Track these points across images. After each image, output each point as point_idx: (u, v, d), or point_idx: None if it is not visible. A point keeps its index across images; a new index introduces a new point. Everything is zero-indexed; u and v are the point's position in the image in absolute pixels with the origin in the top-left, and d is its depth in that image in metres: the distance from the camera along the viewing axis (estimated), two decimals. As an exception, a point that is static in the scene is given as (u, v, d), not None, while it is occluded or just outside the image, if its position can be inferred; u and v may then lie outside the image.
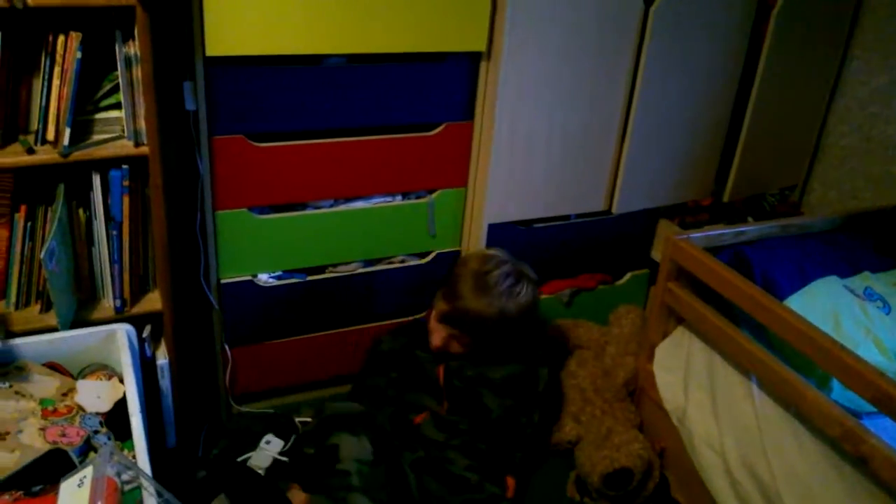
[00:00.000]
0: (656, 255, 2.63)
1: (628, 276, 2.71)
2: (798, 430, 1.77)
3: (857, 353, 1.67)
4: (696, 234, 2.08)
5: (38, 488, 1.50)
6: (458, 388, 2.11)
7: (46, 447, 1.55)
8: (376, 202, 2.24)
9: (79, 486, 1.36)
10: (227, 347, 2.21)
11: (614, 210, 2.49)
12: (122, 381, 1.77)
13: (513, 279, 2.10)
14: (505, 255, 2.17)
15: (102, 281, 1.96)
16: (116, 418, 1.70)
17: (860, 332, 1.87)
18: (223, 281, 2.13)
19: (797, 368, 1.79)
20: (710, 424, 1.99)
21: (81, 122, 1.78)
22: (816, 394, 1.71)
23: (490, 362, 2.12)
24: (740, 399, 1.92)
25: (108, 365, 1.86)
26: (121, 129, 1.82)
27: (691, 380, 2.07)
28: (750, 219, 2.73)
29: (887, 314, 1.96)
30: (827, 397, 1.71)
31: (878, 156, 2.60)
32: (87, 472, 1.37)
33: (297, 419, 2.31)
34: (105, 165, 1.82)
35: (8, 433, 1.59)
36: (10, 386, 1.71)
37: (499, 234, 2.37)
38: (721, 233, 2.11)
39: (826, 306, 1.91)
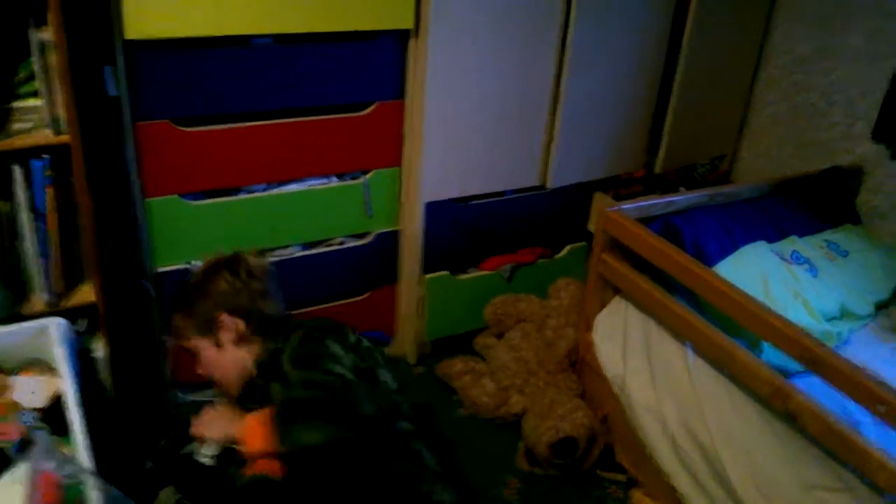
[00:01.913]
0: (592, 227, 2.67)
1: (567, 249, 2.75)
2: (732, 392, 1.83)
3: (787, 316, 1.72)
4: (628, 206, 2.11)
5: (-27, 488, 1.47)
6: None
7: (-19, 446, 1.51)
8: (311, 184, 2.23)
9: (16, 482, 1.33)
10: (168, 337, 2.18)
11: (549, 185, 2.52)
12: (58, 375, 1.74)
13: (191, 284, 1.84)
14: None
15: (32, 275, 1.90)
16: (54, 414, 1.66)
17: (789, 294, 1.93)
18: (159, 269, 2.09)
19: (729, 332, 1.84)
20: (648, 391, 2.04)
21: (-2, 112, 1.73)
22: (747, 355, 1.76)
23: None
24: (676, 364, 1.97)
25: (43, 360, 1.81)
26: (40, 117, 1.76)
27: (629, 348, 2.11)
28: (682, 189, 2.79)
29: (814, 277, 2.03)
30: (757, 358, 1.77)
31: (803, 122, 2.67)
32: (25, 467, 1.34)
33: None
34: (25, 155, 1.76)
35: (-60, 434, 1.55)
36: (-59, 386, 1.66)
37: (436, 211, 2.38)
38: (652, 203, 2.15)
39: (755, 271, 1.96)
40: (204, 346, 1.80)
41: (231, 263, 1.82)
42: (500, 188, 2.49)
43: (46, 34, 1.66)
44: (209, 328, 1.78)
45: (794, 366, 1.74)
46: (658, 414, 2.00)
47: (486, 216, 2.52)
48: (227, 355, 1.79)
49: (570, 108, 2.40)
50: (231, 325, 1.77)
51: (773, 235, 2.13)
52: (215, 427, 1.67)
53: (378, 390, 1.70)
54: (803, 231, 2.19)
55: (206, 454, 2.05)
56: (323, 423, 1.51)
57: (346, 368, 1.63)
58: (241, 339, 1.78)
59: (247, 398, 1.77)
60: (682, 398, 1.94)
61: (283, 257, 2.27)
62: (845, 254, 2.14)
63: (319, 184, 2.24)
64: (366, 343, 1.81)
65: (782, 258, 2.05)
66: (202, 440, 1.72)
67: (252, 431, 1.55)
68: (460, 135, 2.29)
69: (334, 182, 2.26)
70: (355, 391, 1.57)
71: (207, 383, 2.33)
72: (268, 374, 1.72)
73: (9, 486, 1.35)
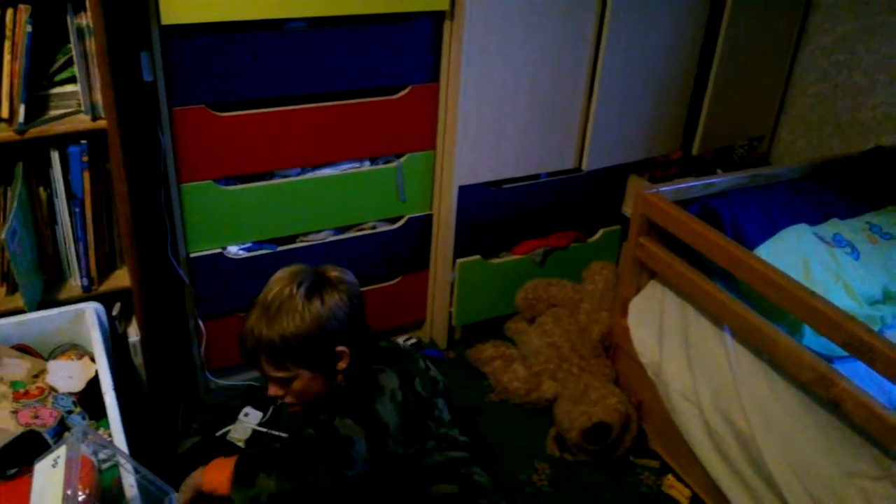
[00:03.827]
0: (627, 210, 2.64)
1: (600, 232, 2.72)
2: (771, 377, 1.79)
3: (828, 299, 1.68)
4: (665, 188, 2.08)
5: (12, 471, 1.48)
6: None
7: (20, 430, 1.53)
8: (344, 168, 2.22)
9: (53, 466, 1.34)
10: (200, 322, 2.19)
11: (584, 167, 2.49)
12: (93, 360, 1.75)
13: (281, 299, 1.60)
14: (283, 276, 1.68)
15: (68, 260, 1.92)
16: (90, 397, 1.68)
17: (830, 278, 1.88)
18: (192, 255, 2.10)
19: (769, 316, 1.81)
20: (685, 376, 2.01)
21: (37, 98, 1.74)
22: (788, 340, 1.73)
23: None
24: (714, 349, 1.93)
25: (78, 345, 1.83)
26: (77, 103, 1.77)
27: (665, 333, 2.08)
28: (719, 171, 2.74)
29: (856, 260, 1.98)
30: (799, 343, 1.73)
31: (844, 103, 2.61)
32: (61, 452, 1.35)
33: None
34: (63, 141, 1.78)
35: (-21, 418, 1.57)
36: (-20, 370, 1.68)
37: (469, 195, 2.36)
38: (690, 185, 2.11)
39: (796, 254, 1.92)
40: (305, 378, 1.63)
41: (334, 285, 1.63)
42: (534, 171, 2.46)
43: (84, 20, 1.66)
44: (320, 360, 1.62)
45: (836, 350, 1.70)
46: (694, 400, 1.97)
47: (519, 200, 2.49)
48: (328, 382, 1.66)
49: (605, 90, 2.36)
50: (346, 355, 1.64)
51: (814, 218, 2.09)
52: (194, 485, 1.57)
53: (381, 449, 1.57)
54: (845, 213, 2.14)
55: (238, 438, 2.07)
56: (280, 479, 1.47)
57: (393, 404, 1.57)
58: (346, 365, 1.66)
59: (314, 408, 1.68)
60: (720, 384, 1.91)
61: (316, 242, 2.26)
62: (888, 236, 2.09)
63: (352, 168, 2.22)
64: (432, 372, 1.75)
65: (824, 241, 2.00)
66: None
67: (213, 476, 1.52)
68: (495, 118, 2.26)
69: (367, 166, 2.25)
70: (344, 451, 1.50)
71: (239, 368, 2.35)
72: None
73: (46, 469, 1.35)
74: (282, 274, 1.64)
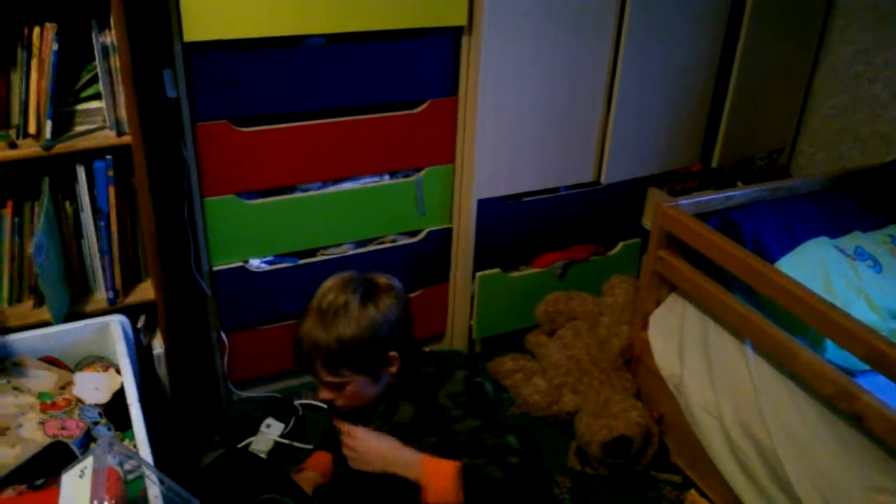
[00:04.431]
0: (647, 223, 2.64)
1: (620, 245, 2.72)
2: (793, 391, 1.78)
3: (849, 313, 1.68)
4: (685, 201, 2.08)
5: (40, 482, 1.50)
6: None
7: (47, 441, 1.55)
8: (364, 183, 2.24)
9: (80, 476, 1.36)
10: (223, 334, 2.21)
11: (603, 180, 2.49)
12: (119, 371, 1.77)
13: (340, 302, 1.60)
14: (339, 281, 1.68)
15: (94, 273, 1.95)
16: (116, 409, 1.70)
17: (851, 291, 1.87)
18: (215, 268, 2.12)
19: (790, 330, 1.80)
20: (706, 390, 2.00)
21: (63, 114, 1.78)
22: (810, 354, 1.72)
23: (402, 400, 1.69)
24: (735, 363, 1.93)
25: (104, 357, 1.86)
26: (102, 119, 1.81)
27: (686, 346, 2.08)
28: (739, 183, 2.74)
29: (878, 273, 1.97)
30: (820, 357, 1.72)
31: (864, 115, 2.60)
32: (88, 462, 1.37)
33: (296, 402, 2.32)
34: (89, 157, 1.81)
35: (8, 428, 1.59)
36: (9, 382, 1.71)
37: (488, 208, 2.37)
38: (710, 198, 2.11)
39: (817, 267, 1.91)
40: (359, 382, 1.63)
41: (386, 291, 1.65)
42: (553, 184, 2.47)
43: (109, 38, 1.70)
44: (373, 365, 1.63)
45: (858, 364, 1.69)
46: (716, 413, 1.97)
47: (538, 213, 2.50)
48: (379, 387, 1.66)
49: (624, 102, 2.37)
50: (396, 360, 1.64)
51: (835, 231, 2.08)
52: (376, 459, 1.57)
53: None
54: (867, 226, 2.13)
55: (260, 449, 2.08)
56: None
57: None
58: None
59: (353, 415, 1.69)
60: (741, 398, 1.90)
61: (337, 255, 2.28)
62: (911, 249, 2.08)
63: (372, 182, 2.24)
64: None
65: (845, 254, 1.99)
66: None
67: (438, 481, 1.49)
68: (513, 131, 2.28)
69: (387, 180, 2.27)
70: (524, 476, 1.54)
71: (261, 380, 2.37)
72: (393, 395, 1.68)
73: (73, 480, 1.37)
74: (334, 281, 1.66)
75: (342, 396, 1.65)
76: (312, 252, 2.27)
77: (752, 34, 2.46)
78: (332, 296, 1.61)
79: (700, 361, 2.03)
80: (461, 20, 2.09)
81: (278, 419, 2.21)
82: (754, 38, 2.47)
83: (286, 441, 2.17)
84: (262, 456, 2.10)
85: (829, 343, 1.76)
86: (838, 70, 2.67)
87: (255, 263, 2.19)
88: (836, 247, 2.01)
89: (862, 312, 1.82)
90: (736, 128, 2.61)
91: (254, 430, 2.18)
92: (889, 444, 1.56)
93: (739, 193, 2.16)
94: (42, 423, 1.60)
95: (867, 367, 1.63)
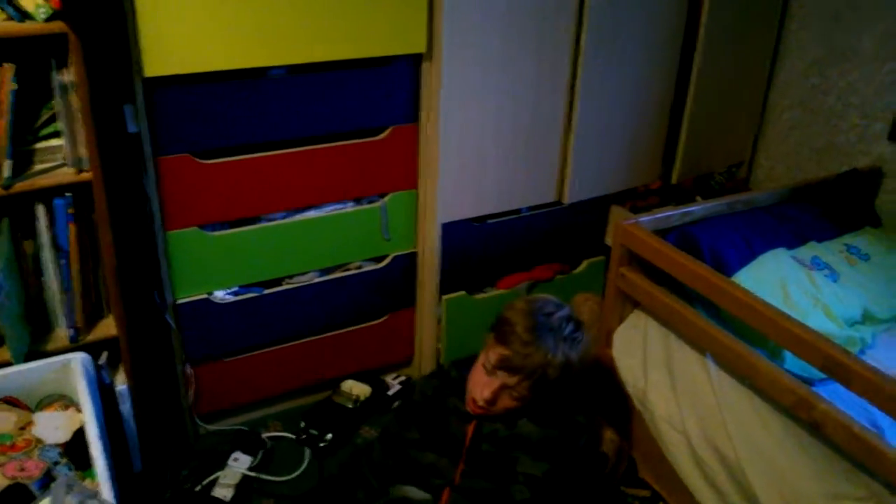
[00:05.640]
0: (610, 240, 2.66)
1: (584, 263, 2.74)
2: (756, 403, 1.81)
3: (807, 323, 1.70)
4: (644, 218, 2.10)
5: (0, 525, 1.49)
6: (486, 452, 1.82)
7: (6, 483, 1.54)
8: (328, 210, 2.24)
9: (39, 518, 1.35)
10: (188, 367, 2.20)
11: (565, 200, 2.52)
12: (80, 410, 1.76)
13: (573, 325, 1.82)
14: (556, 300, 1.91)
15: (55, 311, 1.94)
16: (77, 448, 1.69)
17: (809, 301, 1.91)
18: (179, 301, 2.11)
19: (751, 341, 1.83)
20: (670, 404, 2.02)
21: (22, 153, 1.77)
22: (769, 365, 1.74)
23: (529, 419, 1.84)
24: (698, 376, 1.95)
25: (65, 395, 1.84)
26: (62, 157, 1.80)
27: (650, 362, 2.10)
28: (698, 198, 2.77)
29: (835, 282, 2.00)
30: (778, 367, 1.75)
31: (820, 127, 2.64)
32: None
33: (264, 435, 2.31)
34: (48, 194, 1.80)
35: (-33, 472, 1.57)
36: (-33, 424, 1.69)
37: (453, 231, 2.38)
38: (668, 214, 2.14)
39: (774, 278, 1.95)
40: (523, 396, 1.77)
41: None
42: (517, 206, 2.49)
43: (67, 76, 1.70)
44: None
45: (817, 374, 1.72)
46: (680, 427, 1.98)
47: (502, 234, 2.52)
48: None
49: (584, 123, 2.40)
50: None
51: (792, 241, 2.11)
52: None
53: None
54: (823, 236, 2.17)
55: (225, 484, 2.06)
56: None
57: None
58: None
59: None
60: (705, 411, 1.92)
61: (302, 284, 2.28)
62: (866, 257, 2.12)
63: (337, 209, 2.25)
64: None
65: (802, 264, 2.02)
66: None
67: None
68: (475, 155, 2.30)
69: (351, 207, 2.28)
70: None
71: (228, 413, 2.35)
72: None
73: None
74: (559, 307, 1.83)
75: (498, 401, 1.77)
76: (278, 281, 2.27)
77: (708, 51, 2.50)
78: (565, 317, 1.80)
79: (664, 376, 2.05)
80: (420, 48, 2.11)
81: (245, 452, 2.19)
82: (710, 55, 2.52)
83: (254, 474, 2.16)
84: (230, 490, 2.08)
85: (787, 354, 1.79)
86: (793, 83, 2.71)
87: (220, 295, 2.18)
88: (794, 257, 2.04)
89: (819, 322, 1.85)
90: (695, 144, 2.66)
91: (221, 465, 2.16)
92: (847, 452, 1.58)
93: (697, 208, 2.19)
94: (1, 465, 1.59)
95: (825, 376, 1.66)
